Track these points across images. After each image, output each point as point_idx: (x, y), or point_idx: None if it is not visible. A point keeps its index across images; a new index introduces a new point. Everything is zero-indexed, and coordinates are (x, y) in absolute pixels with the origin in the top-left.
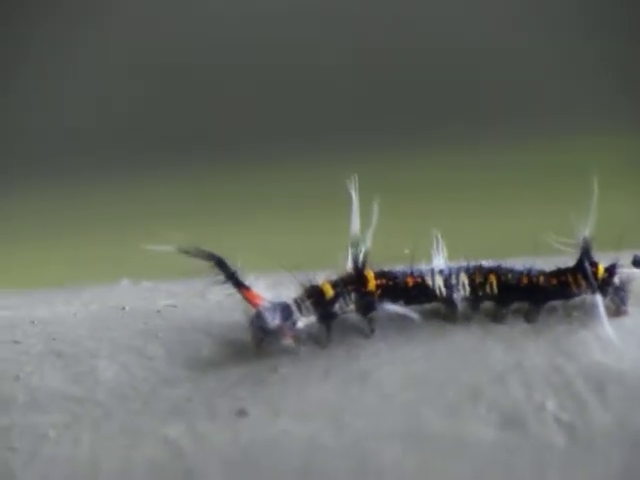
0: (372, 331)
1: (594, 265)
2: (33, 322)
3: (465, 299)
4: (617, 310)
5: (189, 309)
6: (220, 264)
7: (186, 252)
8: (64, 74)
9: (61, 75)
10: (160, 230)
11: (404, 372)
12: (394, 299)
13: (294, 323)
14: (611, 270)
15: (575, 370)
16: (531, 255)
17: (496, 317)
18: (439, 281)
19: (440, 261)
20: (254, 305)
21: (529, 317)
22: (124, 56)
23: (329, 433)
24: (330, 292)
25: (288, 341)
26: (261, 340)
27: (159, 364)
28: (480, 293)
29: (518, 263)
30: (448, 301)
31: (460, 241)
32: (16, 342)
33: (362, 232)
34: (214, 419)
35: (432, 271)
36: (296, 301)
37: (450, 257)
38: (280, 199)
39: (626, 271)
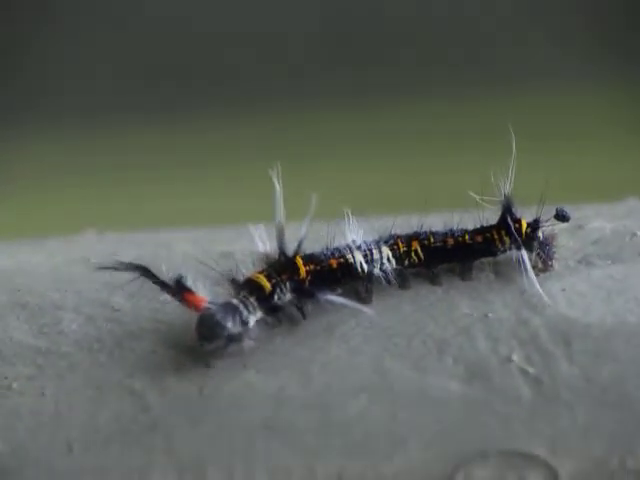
0: (304, 317)
1: (517, 221)
2: None
3: (393, 270)
4: (544, 265)
5: (154, 260)
6: (147, 274)
7: (107, 268)
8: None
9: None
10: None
11: (370, 325)
12: (322, 283)
13: (246, 322)
14: (534, 225)
15: (541, 323)
16: (453, 209)
17: (432, 281)
18: (359, 258)
19: (353, 236)
20: (198, 309)
21: (463, 275)
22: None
23: (295, 386)
24: (267, 285)
25: (246, 343)
26: (217, 345)
27: (124, 316)
28: (406, 262)
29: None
30: (369, 277)
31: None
32: None
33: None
34: (179, 372)
35: (350, 249)
36: (240, 300)
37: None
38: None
39: (549, 225)
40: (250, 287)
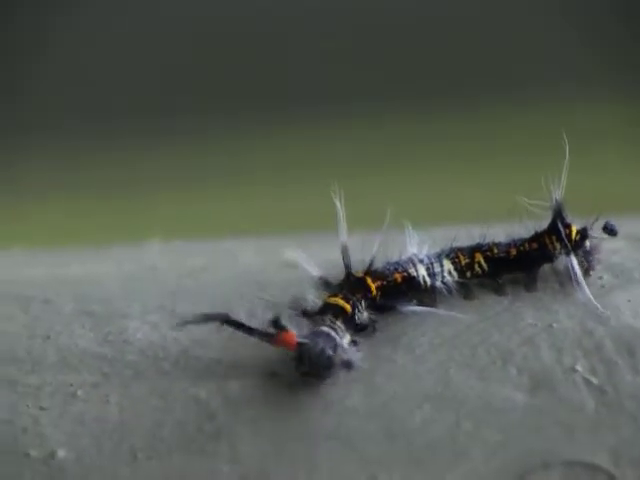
0: (374, 330)
1: (567, 227)
2: (65, 281)
3: (455, 283)
4: (586, 273)
5: (220, 269)
6: (229, 322)
7: (188, 322)
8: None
9: None
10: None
11: (435, 335)
12: (389, 297)
13: (343, 347)
14: (583, 232)
15: (605, 333)
16: (506, 220)
17: (497, 291)
18: (422, 271)
19: (414, 249)
20: (292, 345)
21: (528, 286)
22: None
23: (359, 395)
24: (347, 306)
25: (351, 367)
26: (322, 376)
27: (190, 325)
28: (469, 274)
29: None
30: (432, 290)
31: (431, 211)
32: (47, 301)
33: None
34: (244, 380)
35: (413, 262)
36: (329, 326)
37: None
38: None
39: (597, 236)
40: (332, 311)
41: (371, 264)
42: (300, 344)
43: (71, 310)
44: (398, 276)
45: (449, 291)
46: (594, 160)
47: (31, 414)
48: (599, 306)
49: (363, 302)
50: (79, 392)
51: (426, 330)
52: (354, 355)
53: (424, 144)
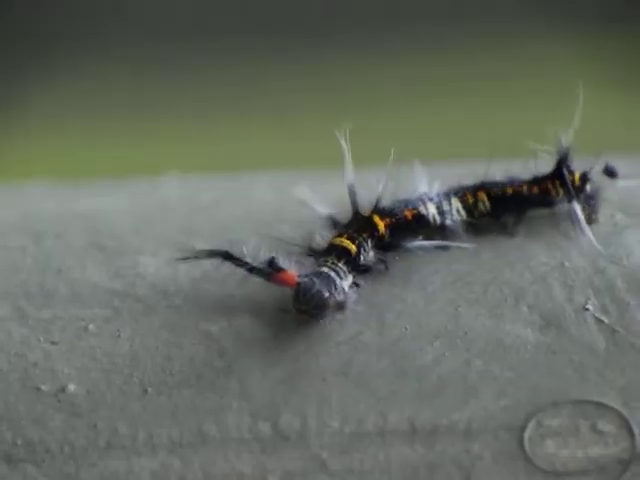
0: (386, 268)
1: (571, 173)
2: (77, 215)
3: (462, 222)
4: (589, 218)
5: (233, 205)
6: (229, 258)
7: (188, 258)
8: None
9: None
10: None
11: (446, 273)
12: (399, 235)
13: (343, 289)
14: (584, 178)
15: (617, 273)
16: (507, 158)
17: (500, 231)
18: (432, 210)
19: (424, 188)
20: (290, 284)
21: (513, 230)
22: None
23: (371, 332)
24: (352, 247)
25: (344, 309)
26: (316, 317)
27: (202, 260)
28: (476, 213)
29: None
30: (441, 228)
31: (435, 143)
32: (59, 235)
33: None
34: (255, 316)
35: (423, 201)
36: (330, 267)
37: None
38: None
39: (597, 179)
40: (336, 252)
41: (378, 202)
42: (299, 283)
43: (83, 244)
44: (408, 214)
45: (458, 230)
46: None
47: (42, 348)
48: (603, 250)
49: (370, 241)
50: (90, 327)
51: (438, 268)
52: (350, 297)
53: (429, 83)
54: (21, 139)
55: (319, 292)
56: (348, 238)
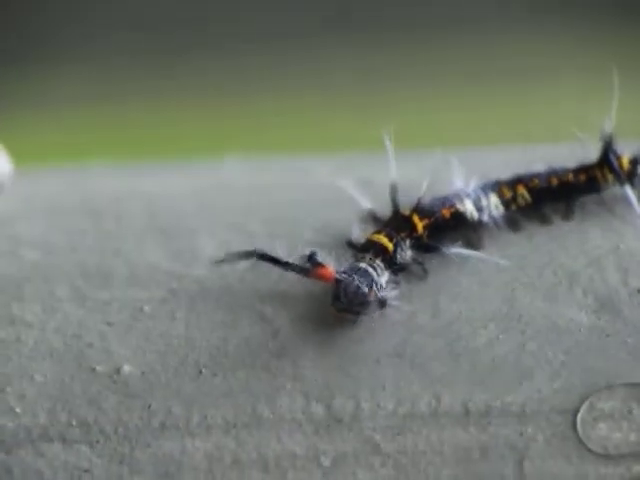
0: (425, 271)
1: (618, 157)
2: (137, 196)
3: (502, 217)
4: None
5: (292, 188)
6: (264, 257)
7: (222, 261)
8: None
9: None
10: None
11: (501, 255)
12: (437, 234)
13: (381, 285)
14: (635, 161)
15: None
16: (549, 144)
17: (542, 221)
18: (470, 206)
19: (461, 183)
20: (329, 280)
21: (566, 215)
22: None
23: (425, 314)
24: (390, 245)
25: (385, 305)
26: (358, 313)
27: (259, 242)
28: (514, 207)
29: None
30: (479, 225)
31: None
32: (119, 216)
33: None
34: (310, 298)
35: (460, 197)
36: (368, 264)
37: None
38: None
39: None
40: (374, 248)
41: (419, 202)
42: (337, 279)
43: (142, 225)
44: (446, 212)
45: (496, 225)
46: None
47: (98, 329)
48: None
49: (408, 241)
50: (146, 308)
51: (492, 251)
52: (390, 293)
53: (459, 74)
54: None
55: (359, 288)
56: (386, 236)
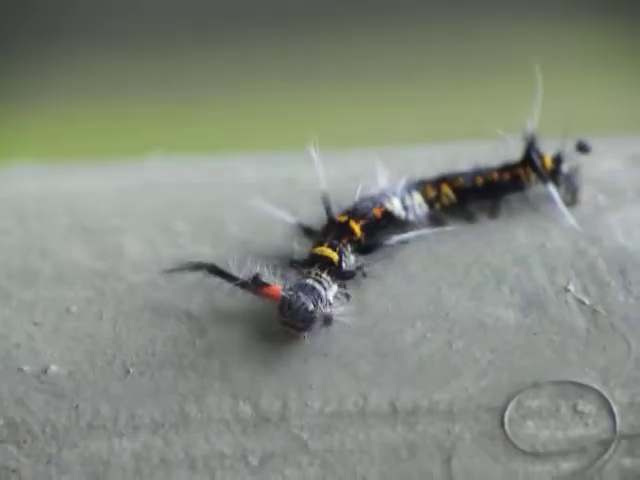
0: (364, 275)
1: (540, 156)
2: (61, 196)
3: (426, 216)
4: (572, 197)
5: (218, 187)
6: (215, 271)
7: (174, 270)
8: None
9: None
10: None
11: (427, 254)
12: (372, 234)
13: (328, 300)
14: (557, 159)
15: (598, 253)
16: (472, 140)
17: (467, 219)
18: (398, 205)
19: (386, 184)
20: (276, 298)
21: (492, 213)
22: None
23: (351, 312)
24: (335, 255)
25: (330, 321)
26: (302, 330)
27: (184, 241)
28: (438, 206)
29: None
30: (405, 223)
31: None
32: (43, 216)
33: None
34: (236, 297)
35: (388, 197)
36: (314, 279)
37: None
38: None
39: (572, 158)
40: (320, 262)
41: (353, 210)
42: (283, 297)
43: (66, 225)
44: (377, 212)
45: (421, 223)
46: (560, 83)
47: (25, 329)
48: (582, 231)
49: (349, 247)
50: (73, 307)
51: (418, 249)
52: (337, 309)
53: (398, 69)
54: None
55: (304, 305)
56: (329, 247)
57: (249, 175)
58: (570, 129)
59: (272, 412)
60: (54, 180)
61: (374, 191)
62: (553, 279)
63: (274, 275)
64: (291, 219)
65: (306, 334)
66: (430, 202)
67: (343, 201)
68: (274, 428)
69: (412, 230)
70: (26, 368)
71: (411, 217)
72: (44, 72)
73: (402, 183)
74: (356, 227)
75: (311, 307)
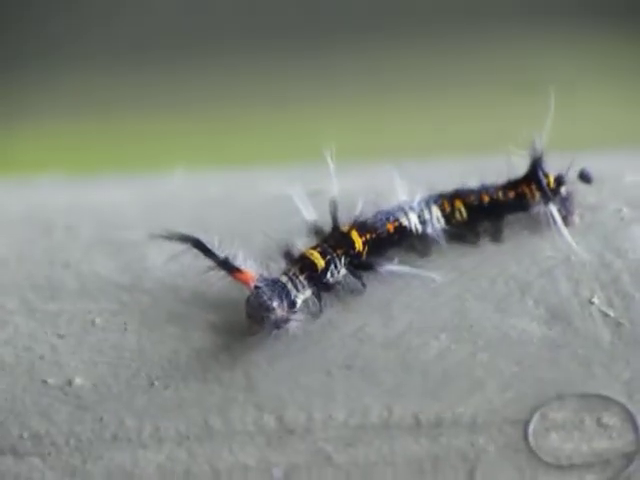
0: (364, 286)
1: (546, 175)
2: (86, 208)
3: (443, 231)
4: (565, 220)
5: (241, 199)
6: (199, 246)
7: (160, 236)
8: None
9: None
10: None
11: (452, 266)
12: (378, 249)
13: (294, 303)
14: (559, 180)
15: (623, 266)
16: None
17: (472, 240)
18: (414, 219)
19: (404, 197)
20: (247, 285)
21: (495, 236)
22: None
23: (376, 325)
24: (321, 262)
25: (292, 325)
26: (261, 325)
27: (172, 241)
28: (453, 221)
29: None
30: (423, 237)
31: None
32: (68, 228)
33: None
34: None
35: (405, 211)
36: (290, 278)
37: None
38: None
39: (572, 182)
40: (302, 264)
41: (356, 221)
42: (255, 287)
43: (91, 237)
44: (390, 226)
45: (438, 238)
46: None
47: (49, 341)
48: (581, 252)
49: (344, 258)
50: (97, 320)
51: (443, 262)
52: (296, 315)
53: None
54: (28, 134)
55: (264, 301)
56: (320, 252)
57: (272, 187)
58: (576, 146)
59: (296, 424)
60: (79, 192)
61: (392, 205)
62: (578, 292)
63: (255, 263)
64: (311, 216)
65: (271, 331)
66: (447, 217)
67: (360, 212)
68: (298, 440)
69: (430, 246)
70: (50, 380)
71: (429, 231)
72: (46, 88)
73: (421, 196)
74: (358, 240)
75: (270, 304)
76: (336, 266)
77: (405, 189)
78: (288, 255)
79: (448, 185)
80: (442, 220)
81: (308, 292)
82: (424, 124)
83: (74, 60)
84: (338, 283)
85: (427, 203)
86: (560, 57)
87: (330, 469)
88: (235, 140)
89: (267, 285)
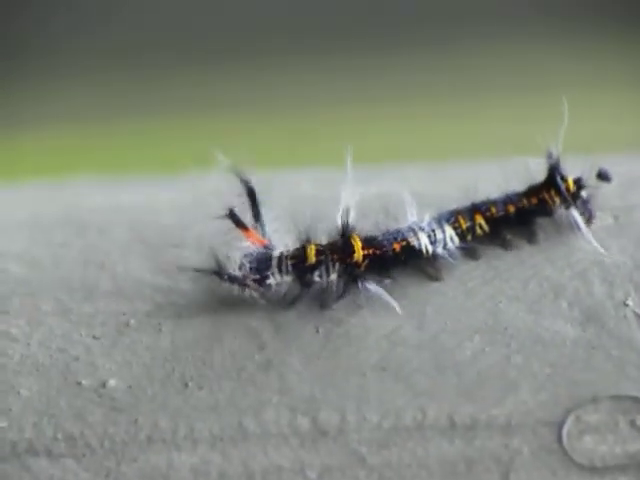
0: (342, 296)
1: (564, 179)
2: (121, 210)
3: (457, 249)
4: (588, 222)
5: (276, 200)
6: (251, 195)
7: (233, 172)
8: None
9: None
10: None
11: (487, 268)
12: (382, 266)
13: (265, 277)
14: (579, 183)
15: None
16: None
17: (502, 247)
18: (424, 240)
19: (414, 217)
20: (247, 240)
21: (531, 239)
22: None
23: (410, 327)
24: (312, 258)
25: (251, 292)
26: (227, 282)
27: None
28: (469, 237)
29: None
30: (434, 257)
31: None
32: (103, 229)
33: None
34: (296, 311)
35: (414, 231)
36: (280, 257)
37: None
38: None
39: (592, 184)
40: (297, 252)
41: (372, 236)
42: (265, 246)
43: (126, 238)
44: (397, 246)
45: (452, 257)
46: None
47: (84, 343)
48: (604, 251)
49: (338, 265)
50: (132, 321)
51: (478, 264)
52: (267, 287)
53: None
54: (29, 138)
55: (251, 262)
56: (317, 250)
57: (304, 189)
58: (592, 149)
59: (330, 426)
60: (114, 194)
61: (403, 224)
62: (612, 293)
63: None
64: (343, 217)
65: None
66: (462, 234)
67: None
68: (332, 442)
69: (441, 265)
70: (85, 382)
71: (440, 251)
72: (47, 90)
73: (432, 216)
74: (359, 251)
75: (248, 268)
76: (327, 269)
77: (414, 209)
78: (305, 239)
79: (460, 190)
80: (456, 239)
81: (287, 278)
82: (437, 129)
83: (74, 61)
84: (327, 286)
85: (439, 222)
86: (575, 59)
87: (363, 471)
88: (250, 143)
89: (259, 251)
